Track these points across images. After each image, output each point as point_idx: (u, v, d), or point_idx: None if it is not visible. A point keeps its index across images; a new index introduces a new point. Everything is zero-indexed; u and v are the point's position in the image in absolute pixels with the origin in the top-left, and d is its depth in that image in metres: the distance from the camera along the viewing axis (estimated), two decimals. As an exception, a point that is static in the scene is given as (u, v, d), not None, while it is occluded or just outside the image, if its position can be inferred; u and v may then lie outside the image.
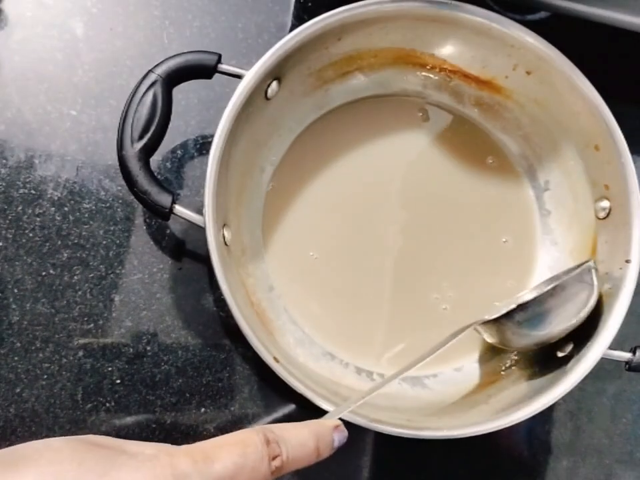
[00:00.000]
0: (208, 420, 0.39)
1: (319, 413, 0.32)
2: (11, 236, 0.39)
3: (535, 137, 0.42)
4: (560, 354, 0.36)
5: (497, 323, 0.36)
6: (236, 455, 0.23)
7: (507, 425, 0.33)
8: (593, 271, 0.35)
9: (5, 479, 0.19)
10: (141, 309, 0.39)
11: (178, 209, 0.34)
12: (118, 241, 0.40)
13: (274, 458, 0.24)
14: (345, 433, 0.28)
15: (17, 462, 0.20)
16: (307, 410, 0.32)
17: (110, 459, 0.21)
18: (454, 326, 0.37)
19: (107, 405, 0.38)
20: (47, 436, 0.37)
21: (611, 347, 0.34)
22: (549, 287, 0.34)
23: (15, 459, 0.20)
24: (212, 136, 0.34)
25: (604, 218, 0.38)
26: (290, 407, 0.39)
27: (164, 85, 0.35)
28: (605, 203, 0.38)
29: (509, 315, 0.35)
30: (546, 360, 0.37)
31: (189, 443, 0.38)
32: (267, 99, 0.37)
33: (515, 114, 0.42)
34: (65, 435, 0.37)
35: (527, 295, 0.37)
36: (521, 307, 0.35)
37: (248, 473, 0.23)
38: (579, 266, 0.36)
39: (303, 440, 0.26)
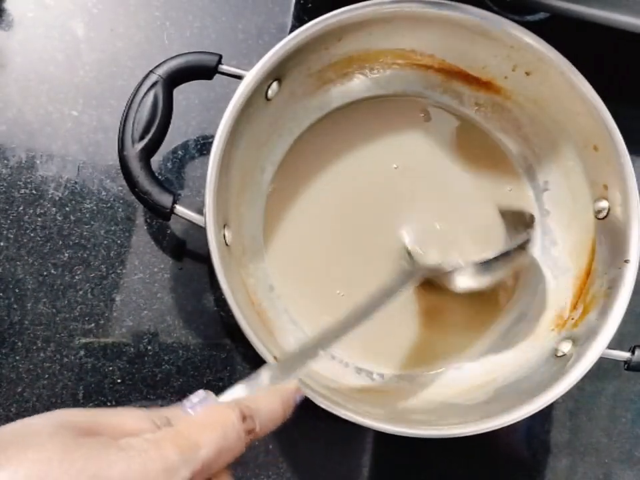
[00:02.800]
0: (208, 419, 0.39)
1: (319, 413, 0.32)
2: (12, 236, 0.39)
3: (534, 137, 0.42)
4: (559, 353, 0.36)
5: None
6: (218, 437, 0.23)
7: (507, 424, 0.33)
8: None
9: None
10: (141, 309, 0.39)
11: (179, 209, 0.34)
12: (119, 241, 0.40)
13: (249, 432, 0.25)
14: (303, 393, 0.29)
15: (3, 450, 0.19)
16: (307, 409, 0.32)
17: (100, 455, 0.20)
18: (453, 328, 0.38)
19: (108, 404, 0.38)
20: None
21: (610, 347, 0.34)
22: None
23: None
24: (212, 136, 0.34)
25: (603, 218, 0.38)
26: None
27: (165, 86, 0.35)
28: (604, 203, 0.38)
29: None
30: (545, 359, 0.37)
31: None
32: (267, 99, 0.37)
33: (514, 114, 0.42)
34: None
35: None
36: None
37: (228, 452, 0.23)
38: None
39: (273, 408, 0.26)
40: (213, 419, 0.24)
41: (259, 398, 0.27)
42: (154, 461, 0.21)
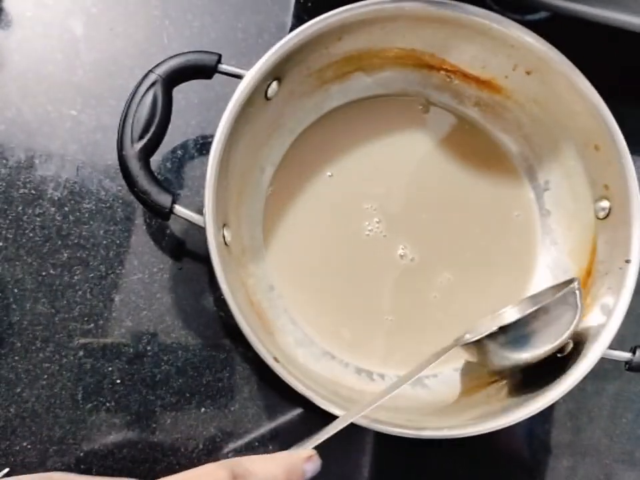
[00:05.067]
0: (208, 420, 0.39)
1: (318, 413, 0.32)
2: (11, 236, 0.39)
3: (535, 136, 0.42)
4: (560, 354, 0.36)
5: (479, 343, 0.35)
6: None
7: (507, 425, 0.33)
8: (577, 292, 0.33)
9: None
10: (141, 309, 0.39)
11: (178, 208, 0.34)
12: (118, 241, 0.40)
13: None
14: (318, 462, 0.27)
15: None
16: (307, 410, 0.32)
17: None
18: (453, 327, 0.37)
19: (107, 404, 0.38)
20: (47, 436, 0.37)
21: (611, 347, 0.34)
22: (532, 310, 0.33)
23: None
24: (212, 136, 0.34)
25: (604, 218, 0.38)
26: (290, 407, 0.39)
27: (164, 85, 0.35)
28: (605, 203, 0.38)
29: (490, 336, 0.34)
30: (546, 360, 0.37)
31: (189, 443, 0.38)
32: (267, 99, 0.37)
33: (514, 114, 0.42)
34: (64, 436, 0.37)
35: (508, 316, 0.37)
36: (503, 329, 0.33)
37: None
38: (563, 284, 0.35)
39: (271, 474, 0.25)
40: (197, 475, 0.23)
41: (255, 460, 0.25)
42: None
